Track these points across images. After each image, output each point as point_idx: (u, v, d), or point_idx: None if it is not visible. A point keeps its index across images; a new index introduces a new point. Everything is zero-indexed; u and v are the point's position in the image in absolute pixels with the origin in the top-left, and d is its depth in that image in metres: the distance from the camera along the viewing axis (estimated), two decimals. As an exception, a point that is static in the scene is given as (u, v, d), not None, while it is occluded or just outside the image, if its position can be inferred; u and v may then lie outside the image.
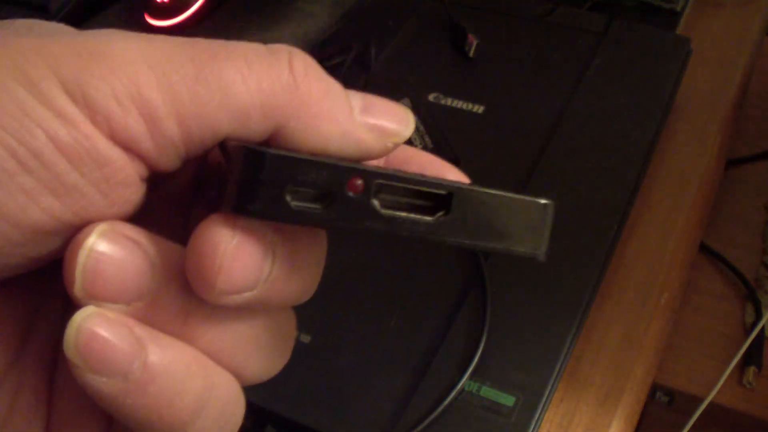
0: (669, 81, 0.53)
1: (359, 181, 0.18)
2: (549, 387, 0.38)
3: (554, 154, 0.49)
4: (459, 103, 0.53)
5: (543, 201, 0.21)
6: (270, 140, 0.19)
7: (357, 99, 0.21)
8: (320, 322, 0.42)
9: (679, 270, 0.49)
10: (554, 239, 0.46)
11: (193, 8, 0.72)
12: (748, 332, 0.55)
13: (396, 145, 0.21)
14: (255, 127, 0.19)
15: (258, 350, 0.21)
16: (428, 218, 0.19)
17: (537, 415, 0.37)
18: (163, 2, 0.72)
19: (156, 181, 0.20)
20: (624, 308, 0.45)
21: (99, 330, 0.18)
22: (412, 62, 0.57)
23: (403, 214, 0.19)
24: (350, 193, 0.18)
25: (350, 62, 0.57)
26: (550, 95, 0.53)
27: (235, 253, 0.18)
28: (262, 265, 0.18)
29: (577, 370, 0.42)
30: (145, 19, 0.72)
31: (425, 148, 0.48)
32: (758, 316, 0.56)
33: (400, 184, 0.19)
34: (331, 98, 0.20)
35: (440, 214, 0.19)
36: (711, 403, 0.48)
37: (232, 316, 0.20)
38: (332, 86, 0.21)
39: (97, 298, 0.18)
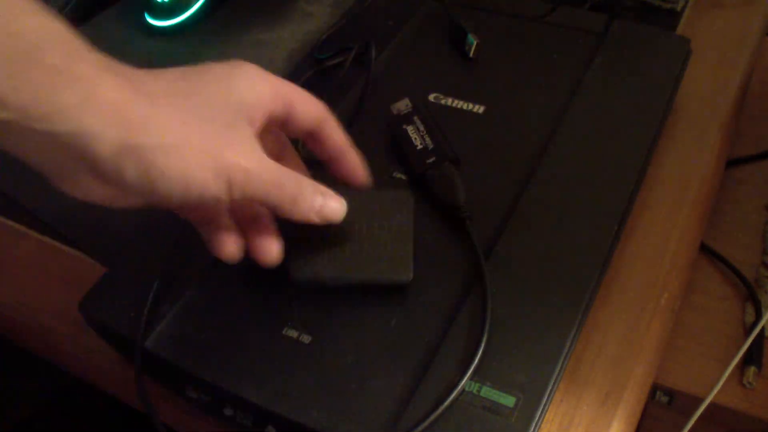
0: (669, 81, 0.53)
1: None
2: (549, 387, 0.38)
3: (554, 154, 0.49)
4: (459, 103, 0.53)
5: None
6: None
7: None
8: (320, 323, 0.42)
9: (679, 270, 0.49)
10: (555, 239, 0.47)
11: (193, 8, 0.72)
12: (748, 332, 0.55)
13: None
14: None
15: None
16: None
17: (537, 416, 0.37)
18: (163, 2, 0.72)
19: None
20: (624, 308, 0.45)
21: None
22: (412, 62, 0.58)
23: None
24: None
25: (350, 62, 0.57)
26: (551, 95, 0.53)
27: None
28: None
29: (577, 371, 0.42)
30: (145, 19, 0.72)
31: (425, 148, 0.48)
32: (758, 316, 0.56)
33: None
34: None
35: None
36: (711, 403, 0.49)
37: None
38: None
39: None
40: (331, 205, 0.39)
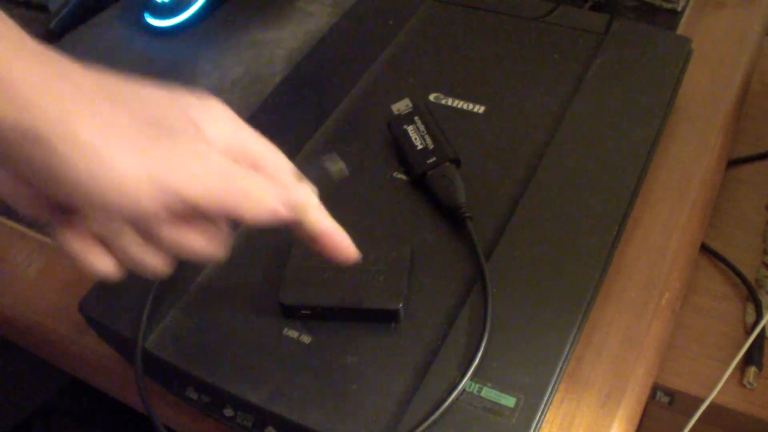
0: (670, 81, 0.53)
1: None
2: (550, 388, 0.38)
3: (555, 154, 0.49)
4: (459, 103, 0.53)
5: None
6: None
7: None
8: (320, 323, 0.42)
9: (680, 270, 0.49)
10: (556, 240, 0.47)
11: (193, 8, 0.72)
12: (748, 332, 0.55)
13: None
14: None
15: None
16: None
17: (538, 416, 0.37)
18: (163, 2, 0.71)
19: None
20: (625, 309, 0.45)
21: None
22: (412, 62, 0.57)
23: None
24: None
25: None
26: (551, 95, 0.53)
27: None
28: None
29: (578, 371, 0.42)
30: (145, 19, 0.72)
31: (426, 148, 0.48)
32: (759, 316, 0.56)
33: None
34: None
35: None
36: (711, 404, 0.48)
37: None
38: None
39: None
40: (300, 192, 0.33)
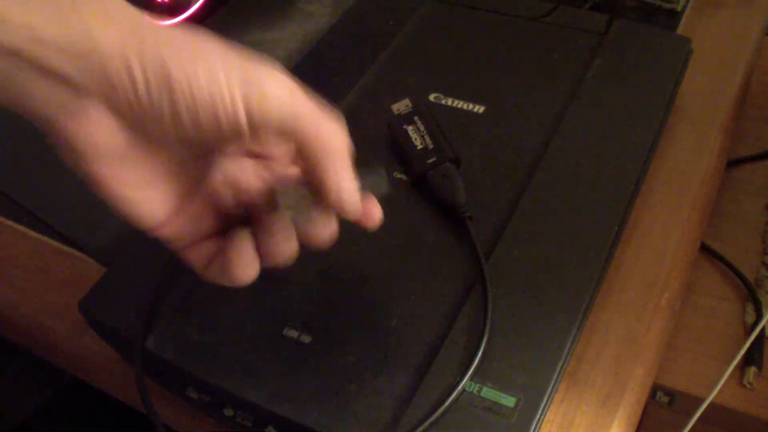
0: (669, 81, 0.53)
1: None
2: (550, 388, 0.38)
3: (555, 154, 0.49)
4: (459, 103, 0.53)
5: None
6: None
7: None
8: (320, 323, 0.42)
9: (679, 270, 0.49)
10: (556, 240, 0.47)
11: (193, 8, 0.72)
12: (748, 332, 0.55)
13: None
14: None
15: None
16: None
17: (538, 416, 0.37)
18: (163, 2, 0.72)
19: None
20: (625, 308, 0.45)
21: None
22: (412, 62, 0.57)
23: None
24: None
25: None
26: (551, 95, 0.53)
27: None
28: None
29: (577, 371, 0.42)
30: (145, 19, 0.72)
31: (426, 148, 0.48)
32: (758, 316, 0.56)
33: None
34: None
35: None
36: (711, 404, 0.48)
37: None
38: None
39: None
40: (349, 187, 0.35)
